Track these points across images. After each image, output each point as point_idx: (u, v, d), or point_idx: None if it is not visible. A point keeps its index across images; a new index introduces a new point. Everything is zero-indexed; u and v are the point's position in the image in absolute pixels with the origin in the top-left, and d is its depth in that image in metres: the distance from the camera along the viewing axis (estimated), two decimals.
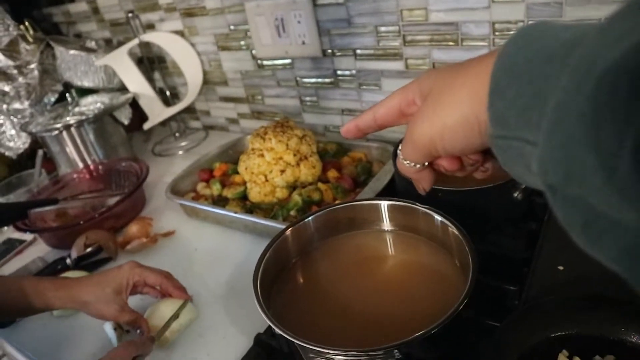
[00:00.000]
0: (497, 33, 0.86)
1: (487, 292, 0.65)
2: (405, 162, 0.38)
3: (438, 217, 0.59)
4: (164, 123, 1.47)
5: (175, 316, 0.71)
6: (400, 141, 0.91)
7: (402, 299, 0.57)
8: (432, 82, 0.35)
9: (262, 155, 0.94)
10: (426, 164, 0.38)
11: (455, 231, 0.56)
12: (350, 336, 0.53)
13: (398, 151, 0.39)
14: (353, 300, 0.58)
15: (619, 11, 0.21)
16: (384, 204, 0.66)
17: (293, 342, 0.48)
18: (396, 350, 0.47)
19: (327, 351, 0.46)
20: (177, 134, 1.45)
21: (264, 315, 0.52)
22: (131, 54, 1.33)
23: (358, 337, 0.53)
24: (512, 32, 0.84)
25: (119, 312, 0.69)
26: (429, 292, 0.56)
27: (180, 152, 1.38)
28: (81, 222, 0.97)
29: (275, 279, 0.62)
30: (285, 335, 0.49)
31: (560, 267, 0.66)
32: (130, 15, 1.25)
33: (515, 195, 0.70)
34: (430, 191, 0.65)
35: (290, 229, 0.64)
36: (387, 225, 0.67)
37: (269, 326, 0.68)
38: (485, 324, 0.60)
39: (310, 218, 0.66)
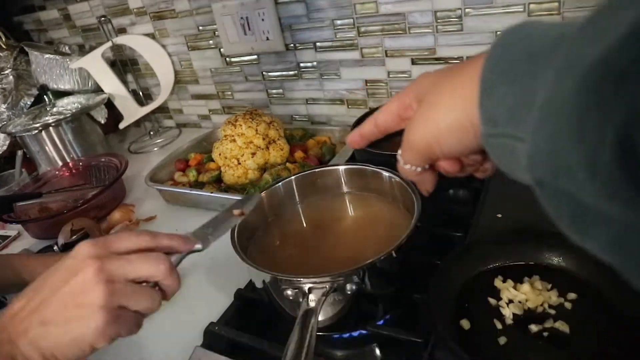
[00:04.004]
0: (439, 20, 0.97)
1: (437, 239, 0.75)
2: (406, 167, 0.39)
3: (385, 173, 0.69)
4: (138, 123, 1.54)
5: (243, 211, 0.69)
6: (356, 123, 1.00)
7: (360, 243, 0.66)
8: (427, 85, 0.36)
9: (234, 141, 1.02)
10: (426, 166, 0.38)
11: (399, 180, 0.66)
12: (317, 271, 0.61)
13: (398, 156, 0.39)
14: (319, 247, 0.67)
15: (599, 9, 0.21)
16: (341, 169, 0.75)
17: (268, 274, 0.57)
18: (355, 276, 0.55)
19: (296, 279, 0.55)
20: (151, 133, 1.52)
21: (239, 256, 0.60)
22: (104, 57, 1.39)
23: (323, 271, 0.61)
24: (451, 19, 0.95)
25: None
26: (382, 235, 0.65)
27: (156, 149, 1.44)
28: (65, 212, 1.03)
29: (252, 235, 0.70)
30: (260, 269, 0.57)
31: (499, 215, 0.77)
32: (102, 19, 1.31)
33: None
34: (387, 158, 0.75)
35: (263, 192, 0.72)
36: (345, 187, 0.76)
37: (248, 282, 0.76)
38: (435, 264, 0.70)
39: (280, 184, 0.75)
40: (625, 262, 0.21)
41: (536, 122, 0.23)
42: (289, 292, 0.56)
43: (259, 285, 0.66)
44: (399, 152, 0.39)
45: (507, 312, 0.60)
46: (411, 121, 0.36)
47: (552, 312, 0.59)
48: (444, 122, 0.33)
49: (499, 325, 0.59)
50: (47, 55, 1.34)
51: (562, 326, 0.56)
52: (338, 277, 0.55)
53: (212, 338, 0.69)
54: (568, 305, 0.59)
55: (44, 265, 0.77)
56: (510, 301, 0.61)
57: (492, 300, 0.62)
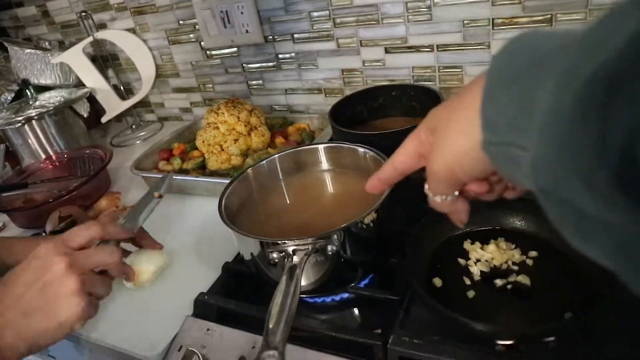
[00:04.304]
0: (410, 11, 1.03)
1: (413, 210, 0.80)
2: (436, 198, 0.39)
3: (360, 149, 0.75)
4: (119, 118, 1.56)
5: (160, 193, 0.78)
6: (332, 110, 1.04)
7: (338, 213, 0.71)
8: (437, 116, 0.37)
9: (217, 128, 1.06)
10: (456, 193, 0.38)
11: (372, 153, 0.71)
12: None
13: (426, 191, 0.39)
14: (302, 218, 0.72)
15: (601, 18, 0.22)
16: (321, 147, 0.80)
17: (254, 239, 0.61)
18: (335, 237, 0.60)
19: (281, 241, 0.59)
20: (133, 127, 1.54)
21: (228, 226, 0.64)
22: (85, 53, 1.41)
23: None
24: (421, 9, 1.01)
25: None
26: (359, 205, 0.69)
27: (138, 142, 1.47)
28: (50, 201, 1.05)
29: (239, 209, 0.74)
30: (247, 235, 0.62)
31: None
32: (82, 14, 1.34)
33: None
34: (362, 138, 0.79)
35: (250, 168, 0.77)
36: (325, 165, 0.81)
37: (236, 256, 0.80)
38: (409, 233, 0.75)
39: (264, 162, 0.79)
40: (627, 268, 0.22)
41: (538, 131, 0.24)
42: (275, 255, 0.61)
43: (247, 257, 0.70)
44: (426, 186, 0.39)
45: (475, 269, 0.65)
46: (431, 152, 0.36)
47: (515, 268, 0.65)
48: (461, 144, 0.33)
49: (467, 282, 0.64)
50: (27, 50, 1.35)
51: (524, 279, 0.62)
52: (319, 239, 0.59)
53: (201, 307, 0.73)
54: (529, 262, 0.65)
55: (24, 246, 0.77)
56: (478, 260, 0.66)
57: (461, 261, 0.67)
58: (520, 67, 0.27)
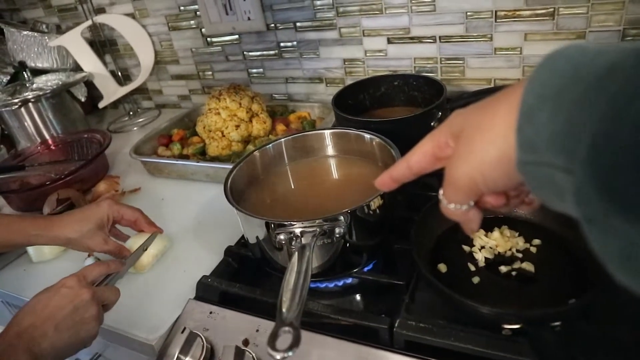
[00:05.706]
0: (413, 1, 1.03)
1: (416, 197, 0.81)
2: (450, 206, 0.37)
3: (367, 135, 0.75)
4: (116, 105, 1.55)
5: (144, 247, 0.79)
6: (334, 99, 1.05)
7: (344, 199, 0.71)
8: (462, 121, 0.35)
9: (218, 114, 1.06)
10: (472, 203, 0.37)
11: (379, 140, 0.72)
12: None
13: (440, 197, 0.38)
14: (308, 202, 0.73)
15: None
16: (327, 132, 0.80)
17: (262, 220, 0.61)
18: (342, 220, 0.60)
19: (289, 223, 0.59)
20: (130, 113, 1.52)
21: (234, 207, 0.64)
22: (82, 37, 1.39)
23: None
24: (425, 0, 1.01)
25: (104, 244, 0.77)
26: (364, 192, 0.70)
27: (135, 129, 1.46)
28: (48, 183, 1.04)
29: (244, 192, 0.74)
30: (255, 217, 0.61)
31: None
32: None
33: (432, 124, 0.85)
34: (368, 124, 0.79)
35: (256, 151, 0.77)
36: (330, 150, 0.81)
37: (239, 240, 0.80)
38: (413, 220, 0.75)
39: (270, 145, 0.79)
40: None
41: (589, 154, 0.22)
42: (282, 237, 0.60)
43: (252, 240, 0.70)
44: (441, 192, 0.38)
45: (480, 256, 0.66)
46: (452, 159, 0.35)
47: (520, 255, 0.65)
48: (487, 155, 0.31)
49: (472, 268, 0.65)
50: (25, 32, 1.33)
51: (528, 266, 0.63)
52: (326, 221, 0.59)
53: (204, 290, 0.72)
54: (533, 249, 0.66)
55: (37, 226, 0.76)
56: (482, 247, 0.67)
57: (465, 248, 0.68)
58: (564, 84, 0.25)
